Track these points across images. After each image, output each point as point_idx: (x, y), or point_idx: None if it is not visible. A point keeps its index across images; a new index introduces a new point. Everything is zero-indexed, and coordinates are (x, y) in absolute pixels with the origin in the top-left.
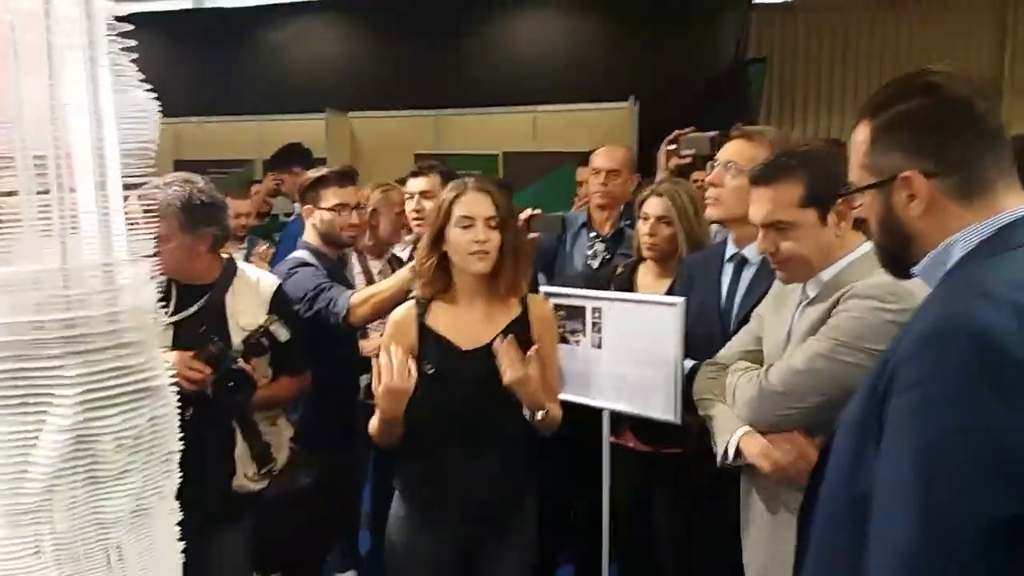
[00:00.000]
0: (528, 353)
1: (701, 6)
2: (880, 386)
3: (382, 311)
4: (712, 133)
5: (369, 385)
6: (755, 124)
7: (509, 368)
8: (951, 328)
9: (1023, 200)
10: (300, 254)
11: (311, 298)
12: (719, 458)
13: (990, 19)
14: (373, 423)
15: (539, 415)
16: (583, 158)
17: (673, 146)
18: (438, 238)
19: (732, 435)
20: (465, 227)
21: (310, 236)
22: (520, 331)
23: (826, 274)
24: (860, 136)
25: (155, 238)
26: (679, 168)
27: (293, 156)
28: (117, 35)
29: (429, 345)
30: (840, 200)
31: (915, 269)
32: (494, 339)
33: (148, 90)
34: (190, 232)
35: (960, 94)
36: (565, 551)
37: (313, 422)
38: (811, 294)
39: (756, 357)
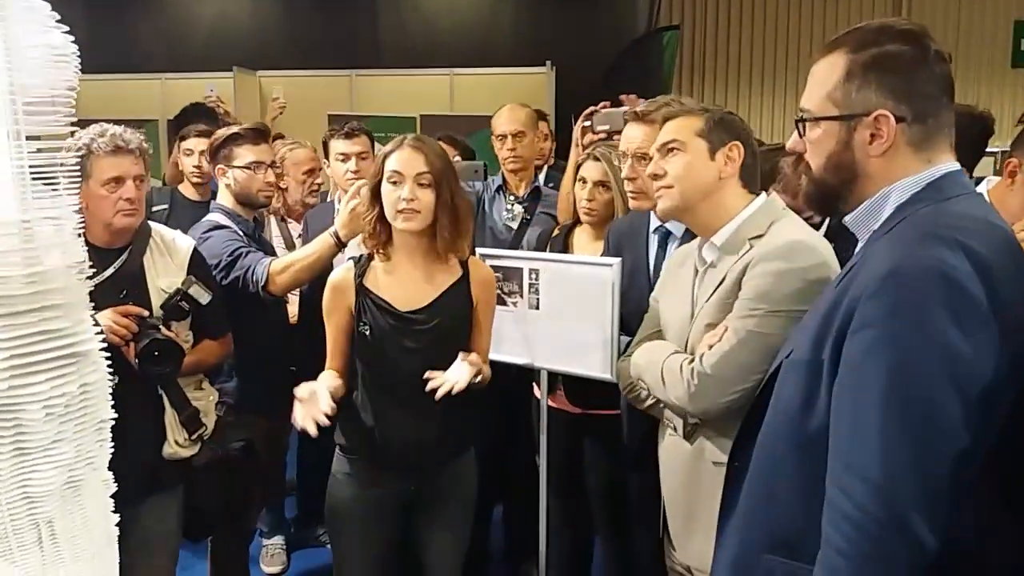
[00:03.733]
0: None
1: None
2: (834, 326)
3: (303, 279)
4: (625, 109)
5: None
6: (668, 92)
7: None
8: (915, 267)
9: (952, 156)
10: (214, 216)
11: (227, 264)
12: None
13: None
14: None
15: (478, 379)
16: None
17: (588, 122)
18: (375, 193)
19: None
20: (394, 183)
21: (223, 197)
22: (461, 293)
23: (718, 238)
24: (832, 67)
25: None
26: (594, 144)
27: (195, 117)
28: None
29: (367, 306)
30: (732, 145)
31: (847, 219)
32: (433, 301)
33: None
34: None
35: (936, 47)
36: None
37: (248, 387)
38: (708, 259)
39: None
